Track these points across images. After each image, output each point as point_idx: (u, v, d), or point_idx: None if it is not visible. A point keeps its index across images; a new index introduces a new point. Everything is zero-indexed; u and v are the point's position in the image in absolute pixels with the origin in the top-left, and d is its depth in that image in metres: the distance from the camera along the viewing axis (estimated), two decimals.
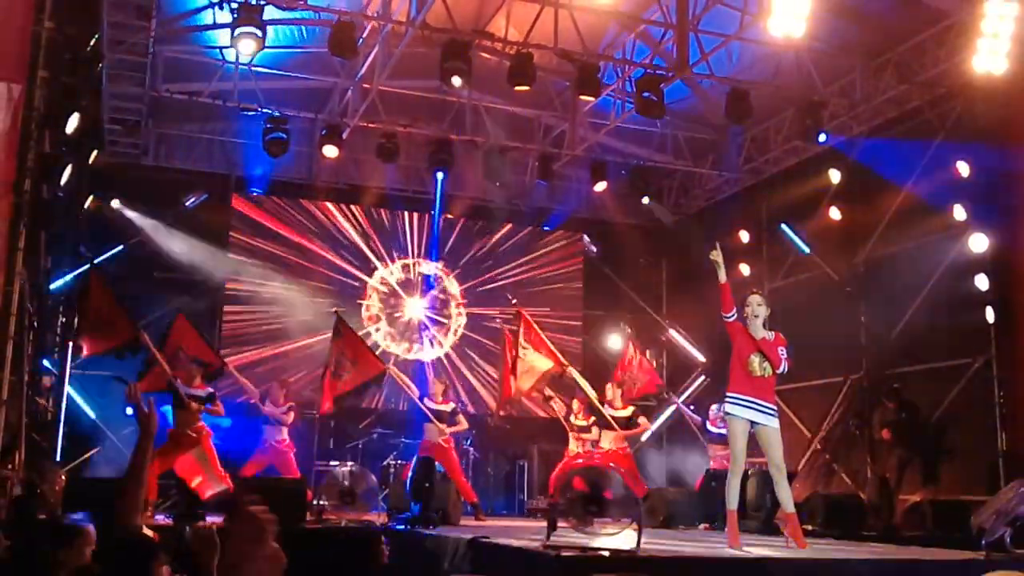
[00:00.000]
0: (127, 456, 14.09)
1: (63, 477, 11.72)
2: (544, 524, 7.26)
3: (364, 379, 12.30)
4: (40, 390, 12.28)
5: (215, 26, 13.31)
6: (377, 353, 14.09)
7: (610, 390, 12.62)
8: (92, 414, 14.19)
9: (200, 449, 10.70)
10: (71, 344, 13.33)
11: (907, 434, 12.21)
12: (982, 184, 11.84)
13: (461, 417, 12.47)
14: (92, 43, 11.97)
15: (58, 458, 12.74)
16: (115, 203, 14.73)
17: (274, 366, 15.39)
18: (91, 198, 13.82)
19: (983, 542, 7.74)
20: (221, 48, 13.68)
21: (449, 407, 12.35)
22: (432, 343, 16.84)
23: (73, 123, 11.27)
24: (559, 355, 12.58)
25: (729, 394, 8.07)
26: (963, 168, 11.93)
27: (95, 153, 13.74)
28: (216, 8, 12.92)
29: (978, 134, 11.87)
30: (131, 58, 12.57)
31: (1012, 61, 10.86)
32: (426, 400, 12.36)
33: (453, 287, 17.16)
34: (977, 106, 11.86)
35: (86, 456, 13.87)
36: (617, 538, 6.82)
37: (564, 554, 6.38)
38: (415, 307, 16.88)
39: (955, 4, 11.50)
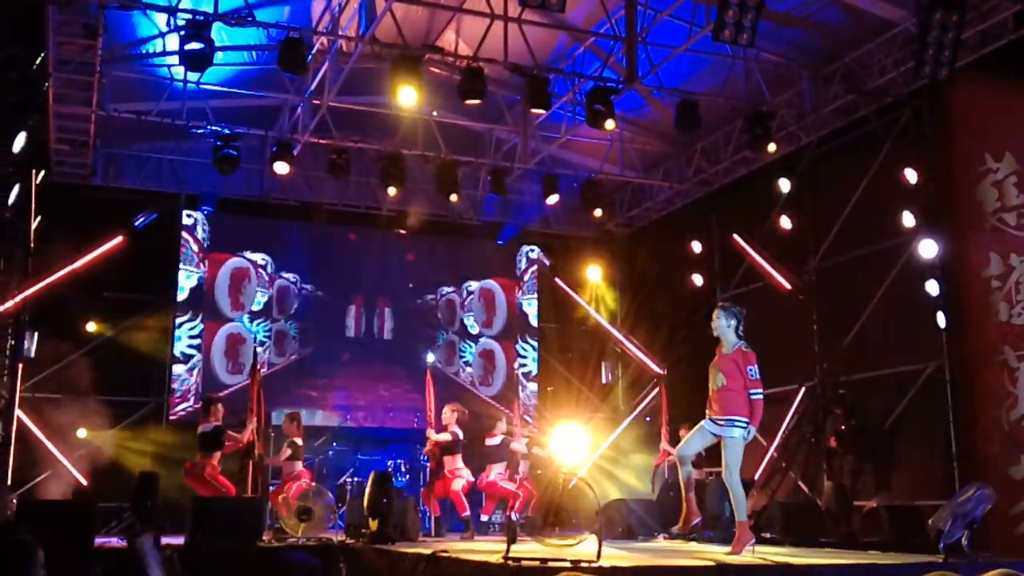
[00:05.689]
0: (78, 479, 13.80)
1: (14, 501, 11.60)
2: (503, 539, 7.23)
3: None
4: None
5: (164, 53, 13.23)
6: None
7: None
8: (43, 437, 13.90)
9: None
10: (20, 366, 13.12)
11: (856, 440, 12.33)
12: (930, 190, 12.01)
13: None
14: (38, 62, 11.81)
15: (9, 482, 12.54)
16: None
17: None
18: (38, 219, 13.60)
19: (941, 545, 7.82)
20: (170, 67, 13.57)
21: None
22: None
23: (19, 143, 11.12)
24: None
25: None
26: (911, 175, 12.08)
27: (42, 173, 13.55)
28: (164, 37, 12.86)
29: (924, 141, 12.04)
30: (78, 77, 12.41)
31: (955, 69, 11.00)
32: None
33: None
34: (923, 114, 12.04)
35: (38, 480, 13.63)
36: (577, 549, 6.81)
37: (525, 565, 6.36)
38: None
39: (899, 14, 11.66)
